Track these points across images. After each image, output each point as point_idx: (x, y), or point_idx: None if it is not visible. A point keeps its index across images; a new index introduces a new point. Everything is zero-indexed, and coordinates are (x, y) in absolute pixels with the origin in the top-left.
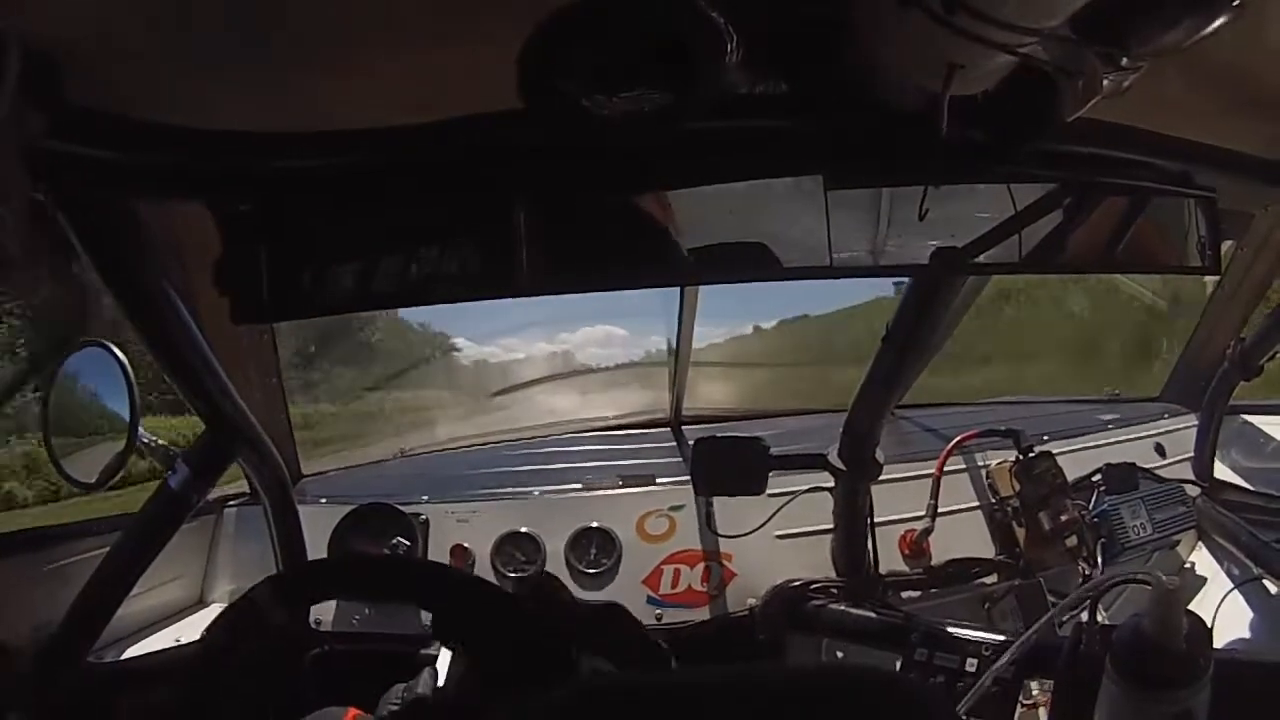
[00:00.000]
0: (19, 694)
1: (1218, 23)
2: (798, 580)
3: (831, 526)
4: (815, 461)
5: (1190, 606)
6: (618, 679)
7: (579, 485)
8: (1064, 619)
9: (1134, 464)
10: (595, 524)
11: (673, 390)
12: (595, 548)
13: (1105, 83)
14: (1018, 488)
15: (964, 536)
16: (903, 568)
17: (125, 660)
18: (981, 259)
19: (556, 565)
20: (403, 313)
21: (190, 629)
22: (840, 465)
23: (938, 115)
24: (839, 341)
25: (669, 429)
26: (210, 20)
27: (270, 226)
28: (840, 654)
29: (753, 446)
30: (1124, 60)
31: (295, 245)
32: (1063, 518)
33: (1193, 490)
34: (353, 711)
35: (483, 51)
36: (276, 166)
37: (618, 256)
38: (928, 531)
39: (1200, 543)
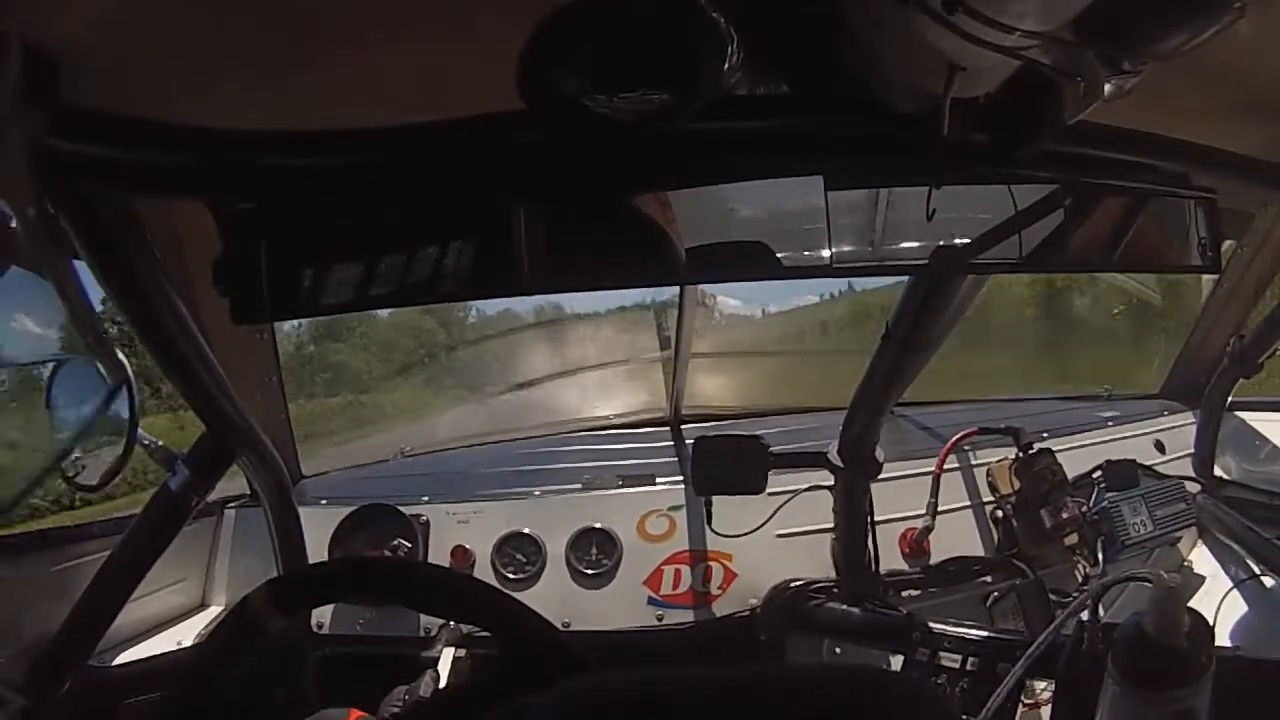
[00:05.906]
0: (21, 696)
1: (1219, 25)
2: (798, 580)
3: (831, 525)
4: (815, 460)
5: (1191, 604)
6: (616, 679)
7: (579, 485)
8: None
9: (1134, 460)
10: (596, 524)
11: (671, 389)
12: (596, 548)
13: (1107, 86)
14: (1018, 485)
15: (964, 535)
16: (903, 566)
17: (126, 663)
18: (981, 258)
19: (557, 566)
20: (401, 312)
21: (191, 632)
22: (840, 463)
23: (939, 116)
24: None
25: (668, 428)
26: (210, 19)
27: (270, 226)
28: (840, 653)
29: (752, 445)
30: (1126, 63)
31: (295, 245)
32: (1063, 515)
33: (1193, 487)
34: (355, 713)
35: (483, 51)
36: (276, 166)
37: (617, 256)
38: (928, 530)
39: (1201, 540)
